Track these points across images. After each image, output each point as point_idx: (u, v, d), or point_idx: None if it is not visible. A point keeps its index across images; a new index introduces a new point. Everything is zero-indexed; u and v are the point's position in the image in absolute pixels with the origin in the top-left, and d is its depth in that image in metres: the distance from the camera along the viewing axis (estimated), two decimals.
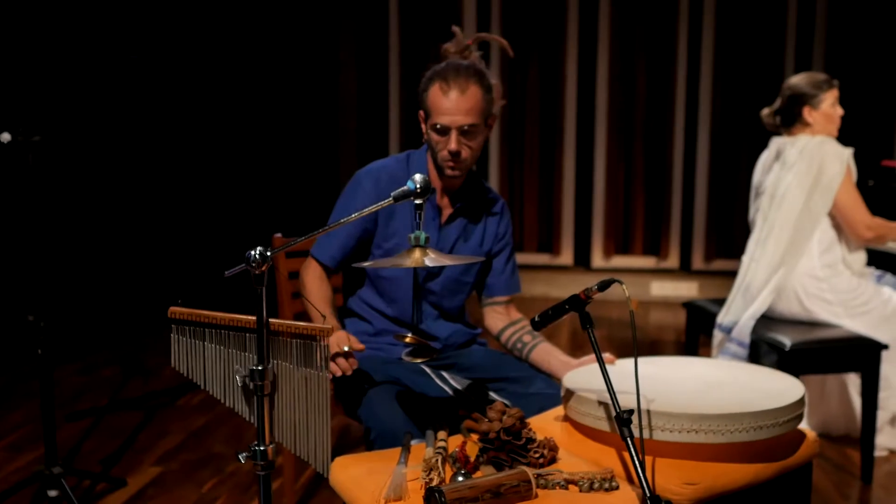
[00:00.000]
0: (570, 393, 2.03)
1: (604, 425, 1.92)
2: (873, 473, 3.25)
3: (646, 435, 1.84)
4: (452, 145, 2.32)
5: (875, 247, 3.57)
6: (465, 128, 2.31)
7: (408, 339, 1.92)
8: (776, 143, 3.52)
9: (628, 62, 6.67)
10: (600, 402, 1.92)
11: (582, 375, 2.17)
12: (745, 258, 3.55)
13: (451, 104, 2.30)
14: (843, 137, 3.47)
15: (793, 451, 1.96)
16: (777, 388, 2.04)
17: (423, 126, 2.41)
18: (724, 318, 3.51)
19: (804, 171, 3.34)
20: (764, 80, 6.28)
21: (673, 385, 2.09)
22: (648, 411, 1.85)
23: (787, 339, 3.18)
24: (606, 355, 2.32)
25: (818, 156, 3.33)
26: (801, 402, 1.96)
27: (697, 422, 1.82)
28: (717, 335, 3.55)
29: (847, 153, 3.36)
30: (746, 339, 3.33)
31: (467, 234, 2.51)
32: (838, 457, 3.46)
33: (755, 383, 2.11)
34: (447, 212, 2.48)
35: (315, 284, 2.43)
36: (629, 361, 2.29)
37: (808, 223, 3.36)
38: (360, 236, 2.44)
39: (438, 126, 2.32)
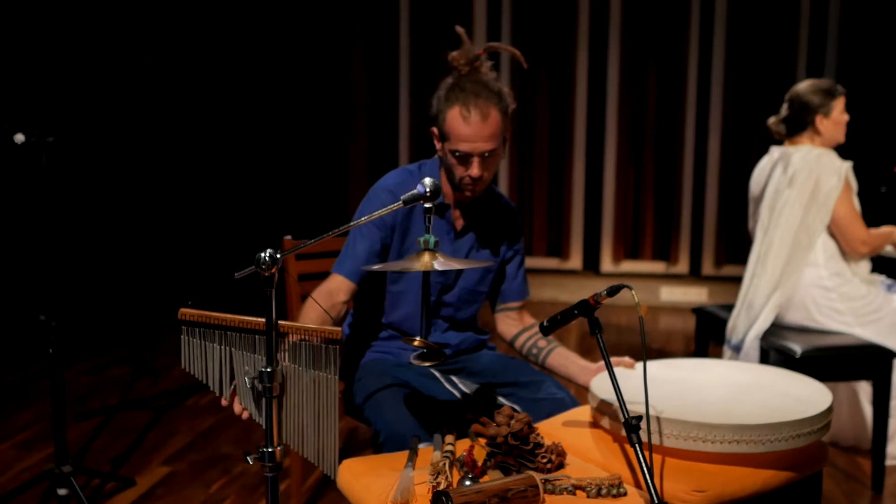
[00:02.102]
0: (605, 404, 2.02)
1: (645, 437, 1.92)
2: (884, 482, 3.23)
3: (678, 444, 1.85)
4: (475, 171, 2.27)
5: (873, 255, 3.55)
6: (486, 154, 2.27)
7: (416, 343, 1.91)
8: (776, 151, 3.51)
9: (639, 67, 6.66)
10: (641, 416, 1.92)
11: (609, 383, 2.16)
12: (747, 273, 3.53)
13: (473, 131, 2.23)
14: (855, 144, 3.46)
15: (803, 459, 1.96)
16: (805, 393, 2.05)
17: (437, 143, 2.35)
18: (731, 334, 3.50)
19: (802, 184, 3.32)
20: (775, 86, 6.25)
21: (705, 391, 2.09)
22: (685, 421, 1.85)
23: (797, 347, 3.17)
24: (626, 359, 2.32)
25: (815, 170, 3.32)
26: (832, 407, 1.97)
27: (738, 432, 1.82)
28: (727, 352, 3.54)
29: (845, 166, 3.35)
30: (755, 360, 3.32)
31: (481, 244, 2.50)
32: (849, 466, 3.44)
33: (782, 388, 2.11)
34: (460, 223, 2.47)
35: (317, 295, 2.31)
36: (652, 364, 2.29)
37: (806, 238, 3.35)
38: (380, 250, 2.37)
39: (458, 153, 2.26)
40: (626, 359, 2.33)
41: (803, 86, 3.45)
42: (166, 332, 5.27)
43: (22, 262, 4.76)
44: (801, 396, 2.03)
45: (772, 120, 3.55)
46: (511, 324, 2.60)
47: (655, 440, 1.87)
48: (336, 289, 2.33)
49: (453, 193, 2.41)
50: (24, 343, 4.71)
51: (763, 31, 6.46)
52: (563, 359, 2.49)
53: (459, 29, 2.37)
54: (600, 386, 2.11)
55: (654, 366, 2.29)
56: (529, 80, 6.73)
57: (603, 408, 2.02)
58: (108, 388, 4.33)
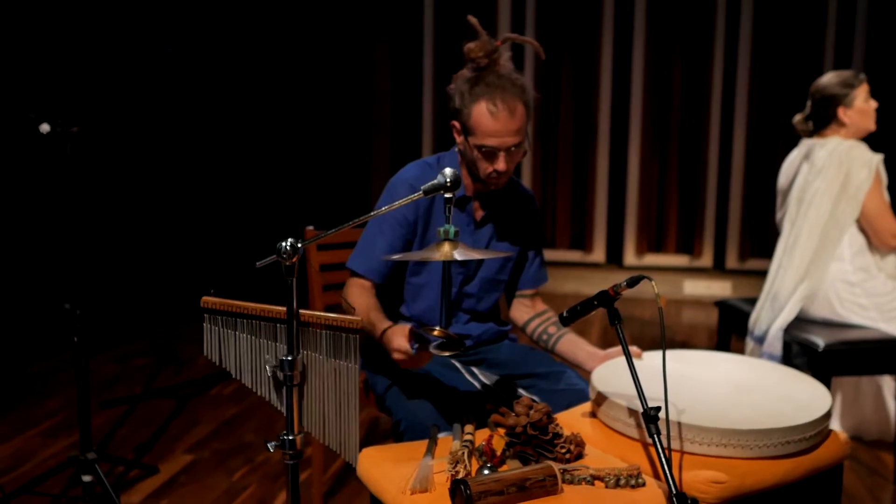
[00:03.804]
0: (601, 396, 2.03)
1: (633, 432, 1.93)
2: None
3: (672, 445, 1.84)
4: (501, 166, 2.28)
5: None
6: (512, 148, 2.28)
7: (436, 333, 1.92)
8: (805, 144, 3.48)
9: (664, 60, 6.63)
10: (631, 410, 1.92)
11: (611, 373, 2.16)
12: (773, 265, 3.50)
13: (501, 126, 2.23)
14: (885, 136, 3.40)
15: (823, 451, 1.95)
16: (805, 398, 2.03)
17: (458, 137, 2.35)
18: (754, 325, 3.48)
19: (831, 177, 3.29)
20: (801, 79, 6.19)
21: (701, 389, 2.08)
22: (677, 423, 1.85)
23: (820, 340, 3.14)
24: (633, 349, 2.31)
25: (846, 162, 3.28)
26: (828, 414, 1.96)
27: (727, 436, 1.82)
28: (749, 343, 3.52)
29: (876, 159, 3.31)
30: (778, 351, 3.30)
31: (500, 233, 2.50)
32: (872, 460, 3.42)
33: (783, 390, 2.10)
34: (480, 214, 2.47)
35: (361, 300, 2.31)
36: (656, 355, 2.28)
37: (835, 231, 3.32)
38: (401, 249, 2.37)
39: (485, 148, 2.26)
40: (634, 348, 2.32)
41: (824, 79, 3.42)
42: (190, 322, 5.31)
43: (47, 251, 4.81)
44: (799, 401, 2.00)
45: (797, 118, 3.52)
46: (524, 310, 2.62)
47: (645, 436, 1.89)
48: (368, 286, 2.36)
49: (473, 185, 2.42)
50: (49, 332, 4.77)
51: (790, 23, 6.40)
52: (572, 345, 2.50)
53: (472, 19, 2.34)
54: (599, 377, 2.11)
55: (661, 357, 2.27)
56: (554, 71, 6.71)
57: (599, 399, 2.03)
58: (133, 377, 4.38)
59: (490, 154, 2.27)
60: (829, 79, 3.40)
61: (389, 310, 2.53)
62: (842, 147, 3.31)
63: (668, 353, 2.34)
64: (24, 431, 3.60)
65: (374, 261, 2.35)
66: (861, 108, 3.34)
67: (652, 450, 1.88)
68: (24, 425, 3.67)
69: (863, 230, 3.35)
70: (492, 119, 2.23)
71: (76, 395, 2.86)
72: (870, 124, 3.38)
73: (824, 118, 3.39)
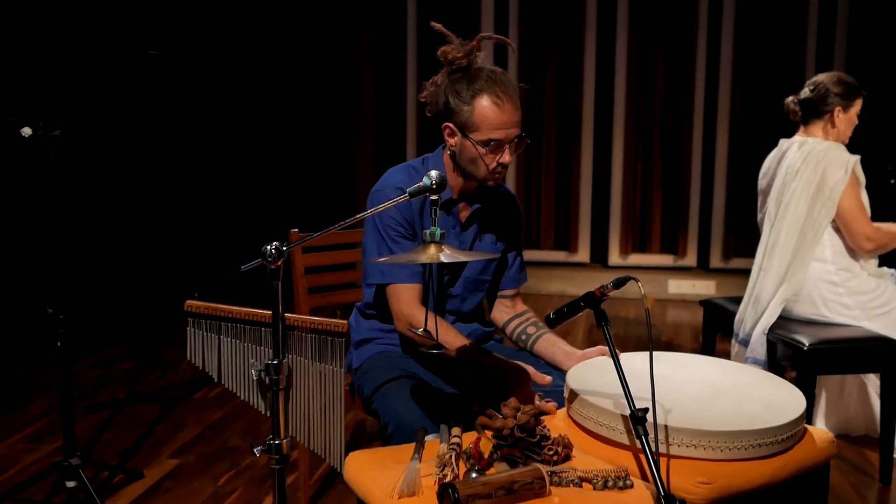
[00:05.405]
0: (573, 394, 2.03)
1: (604, 431, 1.92)
2: (892, 474, 3.23)
3: (635, 441, 1.84)
4: (507, 158, 2.29)
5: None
6: (516, 139, 2.29)
7: (420, 332, 1.92)
8: (785, 143, 3.49)
9: (647, 58, 6.64)
10: (610, 411, 1.92)
11: (587, 373, 2.15)
12: (755, 267, 3.51)
13: (508, 118, 2.25)
14: (865, 137, 3.42)
15: (809, 451, 1.95)
16: (779, 400, 2.02)
17: (452, 139, 2.34)
18: (739, 328, 3.49)
19: (808, 178, 3.30)
20: (784, 77, 6.24)
21: (677, 390, 2.08)
22: (663, 425, 1.84)
23: (805, 339, 3.16)
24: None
25: (822, 163, 3.29)
26: (802, 417, 1.95)
27: (697, 437, 1.81)
28: (735, 346, 3.53)
29: (853, 160, 3.32)
30: (761, 355, 3.30)
31: (483, 233, 2.50)
32: (857, 458, 3.44)
33: (757, 393, 2.09)
34: (464, 214, 2.47)
35: (404, 319, 2.33)
36: (637, 356, 2.28)
37: (812, 232, 3.33)
38: (412, 248, 2.37)
39: (493, 142, 2.26)
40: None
41: (830, 75, 3.42)
42: (174, 325, 5.29)
43: (30, 255, 4.78)
44: (773, 404, 1.99)
45: (790, 98, 3.50)
46: (504, 310, 2.62)
47: (615, 436, 1.89)
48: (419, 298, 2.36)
49: (458, 186, 2.42)
50: (32, 336, 4.73)
51: (772, 23, 6.42)
52: (550, 345, 2.50)
53: (437, 25, 2.36)
54: (577, 377, 2.11)
55: (640, 358, 2.26)
56: (537, 72, 6.72)
57: (572, 397, 2.03)
58: (117, 381, 4.35)
59: (497, 147, 2.28)
60: (836, 76, 3.40)
61: (378, 310, 2.53)
62: (819, 147, 3.33)
63: (641, 354, 2.33)
64: (7, 437, 3.57)
65: (408, 266, 2.34)
66: (852, 117, 3.38)
67: (630, 450, 1.88)
68: (6, 431, 3.64)
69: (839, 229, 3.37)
70: (498, 111, 2.25)
71: (59, 399, 2.84)
72: (847, 138, 3.41)
73: (818, 112, 3.39)
